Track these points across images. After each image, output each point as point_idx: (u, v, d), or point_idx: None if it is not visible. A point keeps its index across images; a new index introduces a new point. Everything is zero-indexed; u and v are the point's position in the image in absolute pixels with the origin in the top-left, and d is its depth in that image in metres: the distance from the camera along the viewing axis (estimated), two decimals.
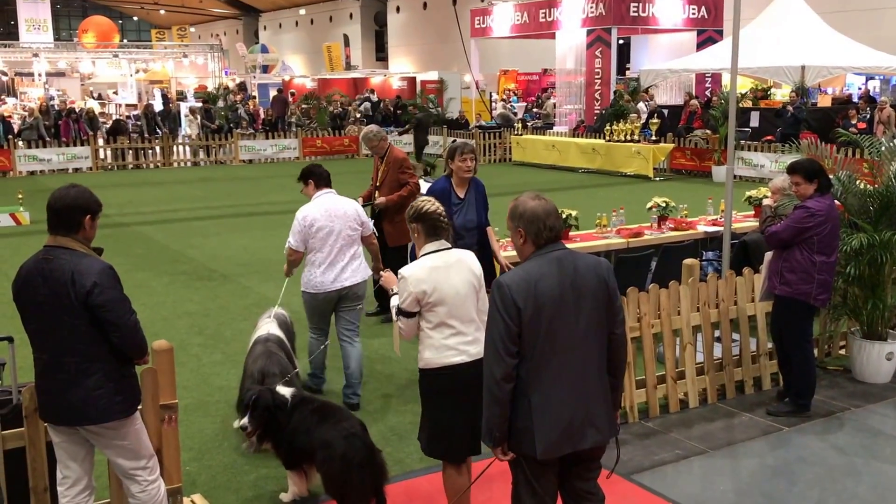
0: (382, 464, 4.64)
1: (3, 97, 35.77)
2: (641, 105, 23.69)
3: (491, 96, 31.96)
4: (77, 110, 25.26)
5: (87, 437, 3.86)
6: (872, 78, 25.59)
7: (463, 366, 4.17)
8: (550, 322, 3.40)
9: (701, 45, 24.54)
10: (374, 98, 30.61)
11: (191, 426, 5.91)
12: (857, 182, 6.78)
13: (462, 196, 6.44)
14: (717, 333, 6.53)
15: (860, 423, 5.99)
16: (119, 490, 4.29)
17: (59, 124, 23.37)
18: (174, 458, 4.53)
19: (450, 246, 4.31)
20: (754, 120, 20.38)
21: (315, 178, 6.15)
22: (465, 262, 4.28)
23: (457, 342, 4.20)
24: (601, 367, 3.57)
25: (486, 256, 6.37)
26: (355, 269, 6.12)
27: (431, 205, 4.31)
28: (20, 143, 22.06)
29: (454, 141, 24.02)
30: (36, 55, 38.45)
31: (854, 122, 17.97)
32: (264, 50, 46.64)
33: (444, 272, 4.17)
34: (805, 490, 5.02)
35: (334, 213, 6.03)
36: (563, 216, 8.30)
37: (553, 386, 3.44)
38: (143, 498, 3.99)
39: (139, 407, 4.03)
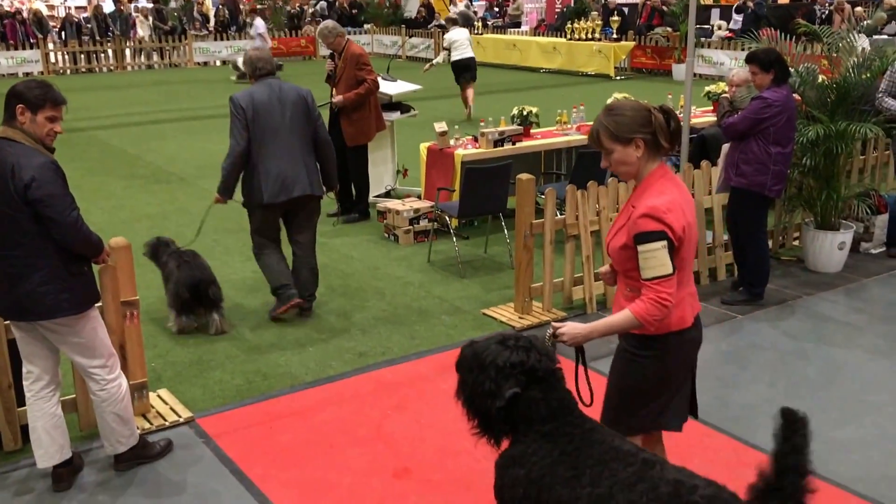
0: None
1: None
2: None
3: None
4: (24, 12, 24.31)
5: (44, 332, 3.84)
6: None
7: None
8: (265, 119, 5.59)
9: None
10: None
11: (155, 325, 5.93)
12: (817, 76, 6.78)
13: None
14: None
15: (811, 309, 6.18)
16: (83, 386, 4.32)
17: (5, 25, 22.48)
18: (138, 355, 4.56)
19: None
20: (714, 17, 20.20)
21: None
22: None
23: None
24: (306, 151, 5.75)
25: None
26: None
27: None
28: None
29: (411, 38, 23.59)
30: None
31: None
32: None
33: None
34: (757, 373, 5.20)
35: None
36: (524, 113, 8.24)
37: (272, 159, 5.62)
38: (102, 395, 3.98)
39: (98, 304, 4.01)
